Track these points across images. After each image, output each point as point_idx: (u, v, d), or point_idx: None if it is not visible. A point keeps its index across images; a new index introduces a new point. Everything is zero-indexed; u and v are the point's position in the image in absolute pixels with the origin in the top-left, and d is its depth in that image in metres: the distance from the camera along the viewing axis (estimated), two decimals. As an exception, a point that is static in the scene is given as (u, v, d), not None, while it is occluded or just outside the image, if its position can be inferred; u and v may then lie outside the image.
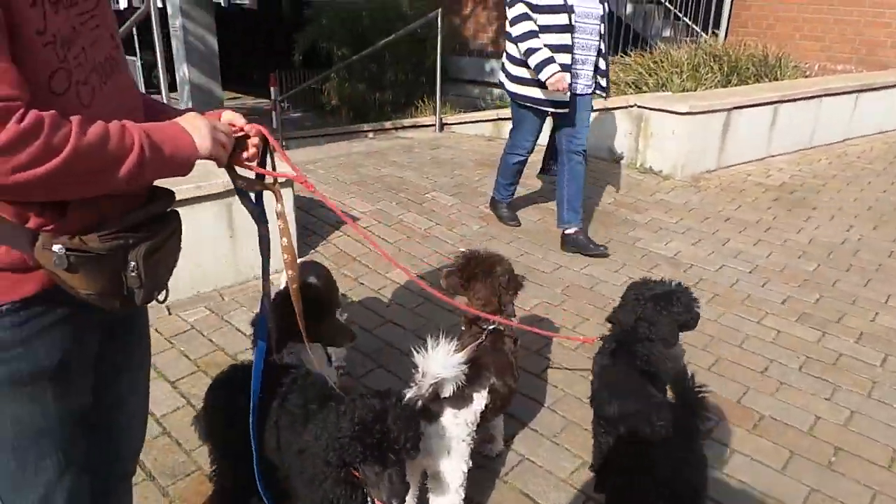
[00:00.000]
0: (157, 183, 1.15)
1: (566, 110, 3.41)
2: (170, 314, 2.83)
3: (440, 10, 6.16)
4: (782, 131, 5.52)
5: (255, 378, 1.45)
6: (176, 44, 13.19)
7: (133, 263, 1.06)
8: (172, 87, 11.39)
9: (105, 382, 1.21)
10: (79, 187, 0.96)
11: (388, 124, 7.06)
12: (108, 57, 1.05)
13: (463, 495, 1.70)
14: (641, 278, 2.00)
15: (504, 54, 3.58)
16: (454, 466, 1.66)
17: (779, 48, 7.31)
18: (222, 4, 16.40)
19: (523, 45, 3.28)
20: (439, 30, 6.17)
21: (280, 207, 1.35)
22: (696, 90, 5.56)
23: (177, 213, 1.21)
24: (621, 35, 7.80)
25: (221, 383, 1.70)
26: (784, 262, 3.53)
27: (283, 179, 1.50)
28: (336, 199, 4.11)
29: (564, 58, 3.24)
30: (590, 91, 3.49)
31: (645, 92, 5.65)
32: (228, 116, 1.26)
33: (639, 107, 5.00)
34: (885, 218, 4.16)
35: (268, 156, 1.34)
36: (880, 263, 3.52)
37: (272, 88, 8.66)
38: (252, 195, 1.37)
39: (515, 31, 3.32)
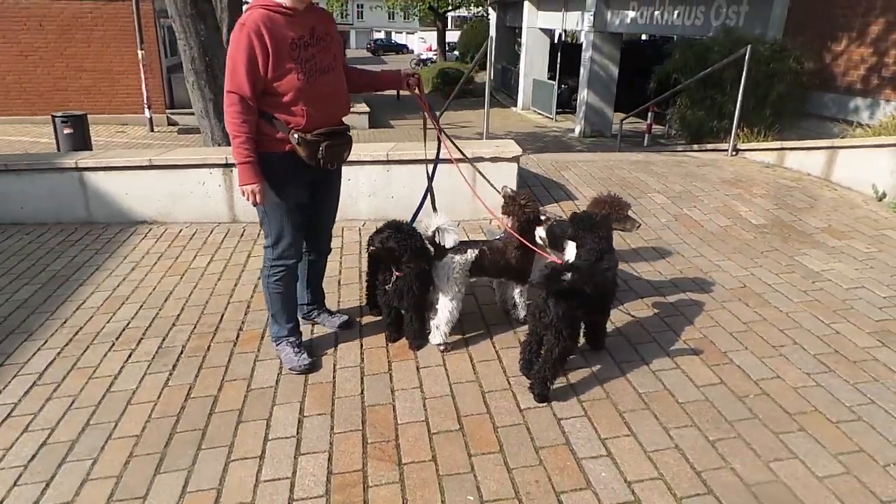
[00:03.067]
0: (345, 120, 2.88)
1: None
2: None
3: (749, 46, 6.72)
4: None
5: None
6: (583, 72, 15.70)
7: (321, 148, 2.66)
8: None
9: (316, 198, 2.89)
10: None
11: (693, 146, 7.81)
12: (327, 65, 2.68)
13: (449, 328, 3.03)
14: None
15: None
16: (445, 300, 3.05)
17: None
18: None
19: None
20: (745, 65, 6.73)
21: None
22: None
23: (349, 134, 2.80)
24: None
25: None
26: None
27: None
28: (555, 178, 5.49)
29: None
30: None
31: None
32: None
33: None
34: None
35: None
36: None
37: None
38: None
39: None
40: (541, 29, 20.44)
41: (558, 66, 18.57)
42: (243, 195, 2.61)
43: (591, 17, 15.55)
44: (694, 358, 2.96)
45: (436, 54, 38.46)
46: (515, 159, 4.75)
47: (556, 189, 5.40)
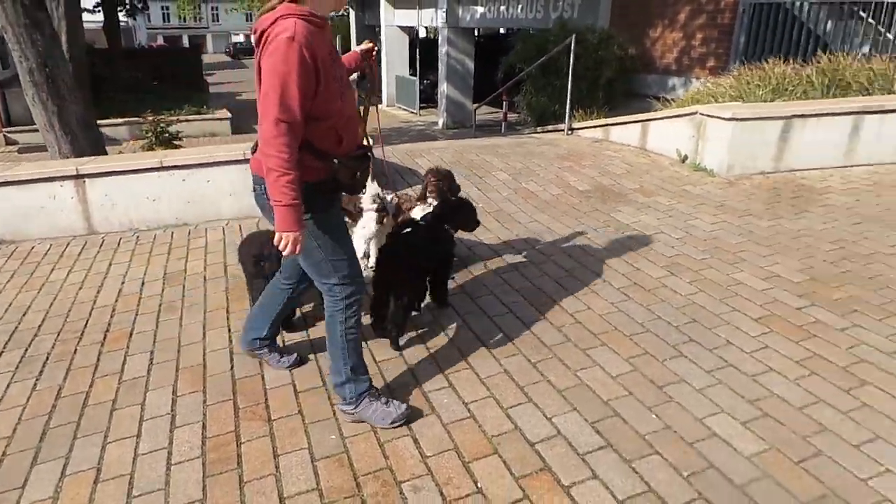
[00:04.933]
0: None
1: None
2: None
3: (573, 35, 7.53)
4: (869, 143, 5.64)
5: None
6: (441, 66, 16.32)
7: (358, 172, 2.39)
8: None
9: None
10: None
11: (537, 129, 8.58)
12: (346, 82, 2.40)
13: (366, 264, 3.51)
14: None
15: None
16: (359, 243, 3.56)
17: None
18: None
19: None
20: (572, 54, 7.53)
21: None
22: (773, 101, 5.99)
23: (368, 155, 2.46)
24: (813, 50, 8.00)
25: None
26: (720, 235, 4.27)
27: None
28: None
29: None
30: None
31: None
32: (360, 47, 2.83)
33: (700, 114, 5.78)
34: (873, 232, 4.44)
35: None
36: (806, 245, 4.05)
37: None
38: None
39: None
40: (399, 27, 20.93)
41: (418, 62, 19.14)
42: (278, 242, 2.18)
43: (444, 14, 16.24)
44: (523, 303, 3.48)
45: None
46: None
47: (410, 175, 5.83)
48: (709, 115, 5.63)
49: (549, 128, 8.61)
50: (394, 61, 20.95)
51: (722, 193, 5.15)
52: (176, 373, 3.01)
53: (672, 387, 2.70)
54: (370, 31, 25.97)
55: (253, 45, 2.25)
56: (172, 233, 4.80)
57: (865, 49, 8.50)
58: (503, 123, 14.24)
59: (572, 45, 7.51)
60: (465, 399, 2.69)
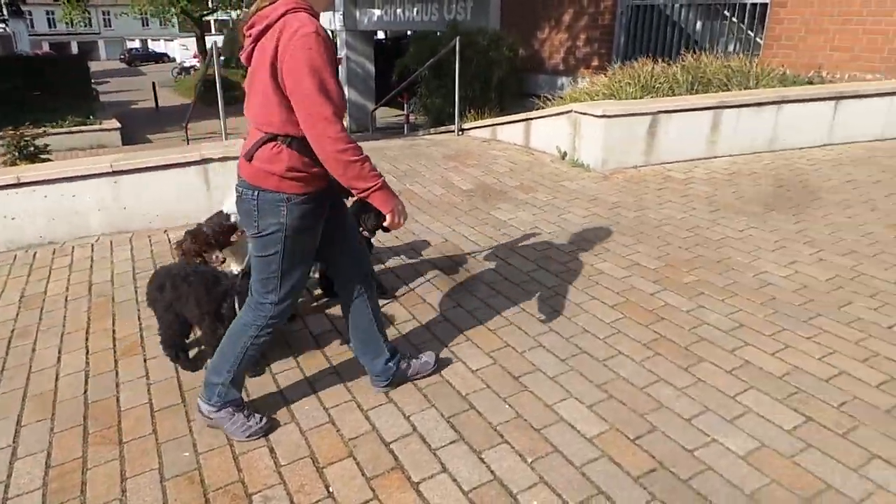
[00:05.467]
0: None
1: None
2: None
3: (458, 38, 7.68)
4: (729, 135, 6.07)
5: None
6: (342, 70, 16.18)
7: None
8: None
9: (333, 236, 2.47)
10: None
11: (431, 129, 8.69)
12: None
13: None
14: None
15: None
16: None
17: (810, 59, 7.58)
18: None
19: None
20: (457, 56, 7.67)
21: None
22: (642, 98, 6.35)
23: None
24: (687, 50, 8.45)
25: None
26: (589, 227, 4.48)
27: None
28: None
29: None
30: None
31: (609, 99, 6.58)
32: None
33: (575, 112, 6.03)
34: (721, 212, 4.79)
35: None
36: (653, 228, 4.32)
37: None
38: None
39: None
40: (298, 30, 20.58)
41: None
42: (394, 221, 2.25)
43: (342, 17, 16.12)
44: (393, 303, 3.52)
45: (199, 61, 36.61)
46: (244, 157, 4.99)
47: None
48: (583, 113, 5.88)
49: (442, 129, 8.73)
50: (295, 65, 20.57)
51: (596, 187, 5.40)
52: (22, 401, 2.84)
53: (528, 376, 2.81)
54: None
55: (245, 38, 2.15)
56: (35, 253, 4.52)
57: (731, 47, 9.16)
58: (406, 125, 14.35)
59: (457, 47, 7.65)
60: (327, 404, 2.69)
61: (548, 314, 3.33)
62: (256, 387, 2.82)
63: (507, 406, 2.62)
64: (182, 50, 51.73)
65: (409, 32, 21.61)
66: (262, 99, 2.11)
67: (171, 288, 2.86)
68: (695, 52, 7.44)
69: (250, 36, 2.13)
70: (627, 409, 2.56)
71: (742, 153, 6.14)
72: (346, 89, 16.62)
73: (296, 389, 2.80)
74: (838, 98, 6.26)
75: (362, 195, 2.19)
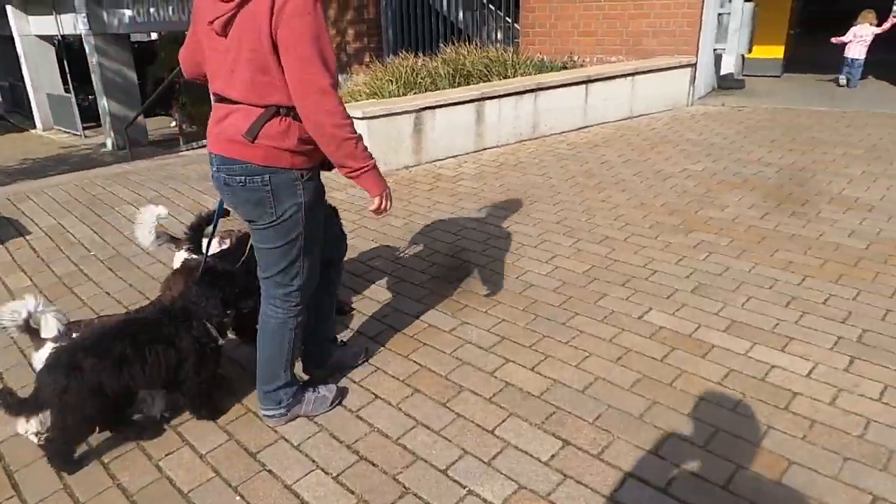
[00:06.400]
0: None
1: None
2: None
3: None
4: (494, 126, 6.07)
5: None
6: (96, 79, 14.23)
7: None
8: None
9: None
10: None
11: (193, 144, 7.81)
12: None
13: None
14: None
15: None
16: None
17: (562, 44, 7.88)
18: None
19: None
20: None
21: None
22: (405, 95, 6.15)
23: None
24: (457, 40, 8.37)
25: None
26: (354, 242, 4.12)
27: None
28: (6, 214, 4.85)
29: None
30: None
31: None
32: None
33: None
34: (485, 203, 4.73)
35: None
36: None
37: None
38: None
39: None
40: (38, 36, 17.80)
41: (69, 76, 16.52)
42: (380, 206, 2.19)
43: (86, 19, 14.12)
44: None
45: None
46: None
47: (6, 226, 4.68)
48: (345, 116, 5.49)
49: (206, 142, 7.86)
50: (41, 77, 17.81)
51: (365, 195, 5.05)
52: None
53: (267, 451, 2.35)
54: (9, 42, 21.81)
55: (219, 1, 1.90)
56: None
57: (497, 36, 9.36)
58: (181, 138, 12.99)
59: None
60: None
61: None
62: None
63: (238, 499, 2.14)
64: None
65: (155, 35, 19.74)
66: (256, 70, 1.91)
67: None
68: (457, 43, 7.42)
69: (231, 0, 1.88)
70: (379, 473, 2.21)
71: (508, 143, 6.20)
72: (104, 101, 14.76)
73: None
74: (587, 82, 6.57)
75: (352, 175, 2.08)
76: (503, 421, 2.42)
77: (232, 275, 2.44)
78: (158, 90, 9.05)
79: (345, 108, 1.97)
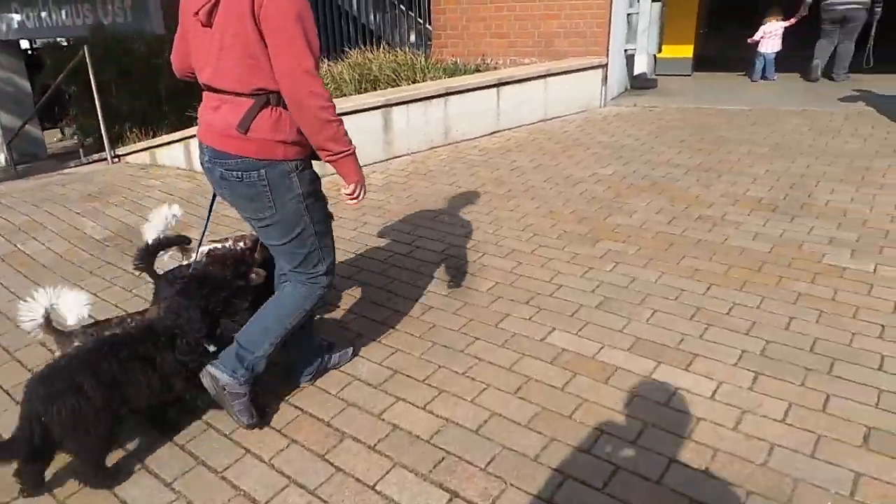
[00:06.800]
0: None
1: None
2: None
3: (85, 47, 6.36)
4: (403, 133, 5.82)
5: None
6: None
7: None
8: None
9: None
10: None
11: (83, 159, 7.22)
12: None
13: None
14: None
15: None
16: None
17: (475, 46, 7.70)
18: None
19: None
20: (90, 68, 6.35)
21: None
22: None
23: None
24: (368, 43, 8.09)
25: None
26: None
27: None
28: None
29: None
30: None
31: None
32: None
33: (233, 126, 5.23)
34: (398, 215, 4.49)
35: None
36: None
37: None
38: None
39: None
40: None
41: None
42: (354, 193, 2.15)
43: (-30, 25, 13.02)
44: None
45: None
46: None
47: None
48: (240, 128, 5.12)
49: (96, 156, 7.27)
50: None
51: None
52: None
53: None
54: None
55: None
56: None
57: (413, 38, 9.12)
58: (81, 150, 12.11)
59: (87, 57, 6.30)
60: None
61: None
62: None
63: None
64: None
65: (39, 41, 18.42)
66: (242, 54, 1.88)
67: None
68: (368, 45, 7.14)
69: None
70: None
71: (419, 150, 5.97)
72: (-5, 113, 13.59)
73: None
74: (499, 85, 6.42)
75: (332, 159, 2.03)
76: (387, 473, 2.17)
77: (215, 282, 2.23)
78: (43, 98, 8.35)
79: (328, 91, 1.95)
